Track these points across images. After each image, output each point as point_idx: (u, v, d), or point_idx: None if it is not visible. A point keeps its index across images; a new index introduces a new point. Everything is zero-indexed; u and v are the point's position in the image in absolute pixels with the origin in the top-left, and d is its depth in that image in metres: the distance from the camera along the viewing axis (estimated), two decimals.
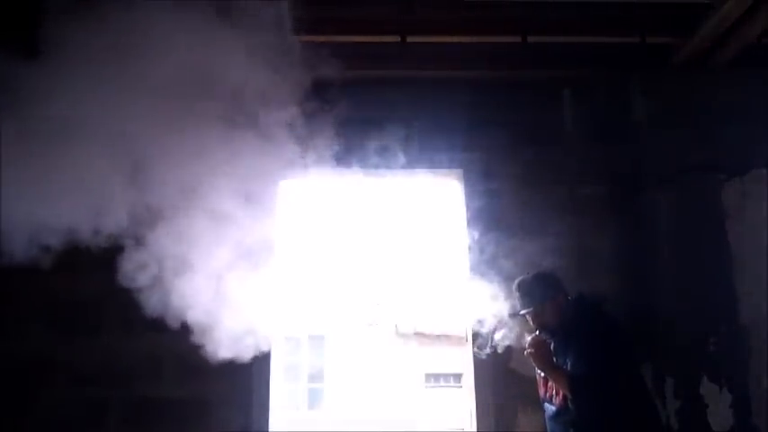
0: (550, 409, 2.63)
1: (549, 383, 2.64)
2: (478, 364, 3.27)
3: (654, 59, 3.44)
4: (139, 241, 2.44)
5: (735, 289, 3.17)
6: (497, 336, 2.85)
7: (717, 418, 3.01)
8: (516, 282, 2.76)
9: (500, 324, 2.86)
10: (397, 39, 3.32)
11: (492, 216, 3.39)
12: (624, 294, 3.18)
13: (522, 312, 2.71)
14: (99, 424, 3.10)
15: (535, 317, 2.67)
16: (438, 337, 12.79)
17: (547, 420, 2.68)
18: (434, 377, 13.28)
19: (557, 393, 2.58)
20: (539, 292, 2.67)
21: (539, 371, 2.71)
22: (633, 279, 3.32)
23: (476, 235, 3.34)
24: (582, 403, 2.46)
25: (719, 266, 3.20)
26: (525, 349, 2.66)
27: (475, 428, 3.26)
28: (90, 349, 3.15)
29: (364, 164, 3.38)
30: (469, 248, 3.34)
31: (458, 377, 12.10)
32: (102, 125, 2.16)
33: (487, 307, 2.96)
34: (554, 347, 2.63)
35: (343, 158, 3.27)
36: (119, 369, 3.13)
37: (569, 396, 2.49)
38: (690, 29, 3.20)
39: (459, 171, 3.53)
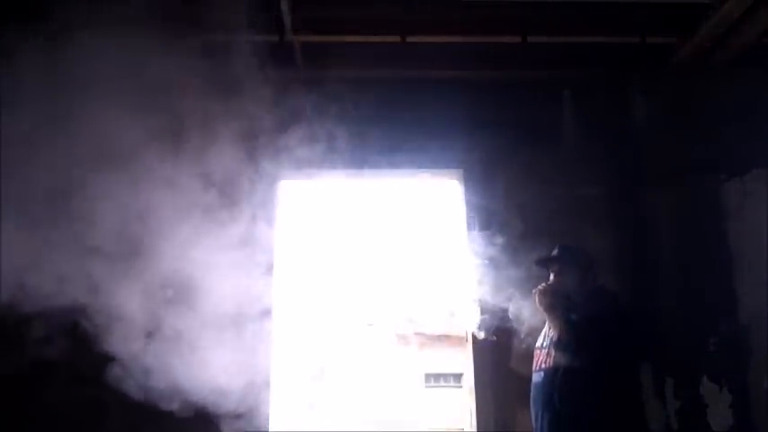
0: (538, 376, 2.68)
1: (542, 353, 2.70)
2: (478, 364, 3.27)
3: (654, 59, 3.44)
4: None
5: (735, 289, 3.16)
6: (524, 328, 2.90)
7: (717, 418, 3.01)
8: (559, 244, 2.88)
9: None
10: (397, 39, 3.32)
11: (492, 216, 3.39)
12: (624, 294, 3.17)
13: (553, 256, 2.83)
14: (99, 424, 3.09)
15: (559, 273, 2.79)
16: (438, 337, 12.79)
17: (532, 392, 2.72)
18: (434, 377, 13.28)
19: (548, 355, 2.65)
20: (574, 260, 2.81)
21: (541, 342, 2.77)
22: (633, 279, 3.31)
23: (475, 235, 3.34)
24: (571, 346, 2.55)
25: (719, 266, 3.19)
26: (535, 289, 2.75)
27: (475, 428, 3.25)
28: (90, 349, 3.14)
29: (364, 164, 3.37)
30: (469, 248, 3.33)
31: (458, 377, 12.10)
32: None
33: (488, 307, 2.97)
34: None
35: (342, 158, 3.26)
36: (119, 369, 3.12)
37: (560, 337, 2.58)
38: (690, 29, 3.20)
39: (460, 171, 3.53)
